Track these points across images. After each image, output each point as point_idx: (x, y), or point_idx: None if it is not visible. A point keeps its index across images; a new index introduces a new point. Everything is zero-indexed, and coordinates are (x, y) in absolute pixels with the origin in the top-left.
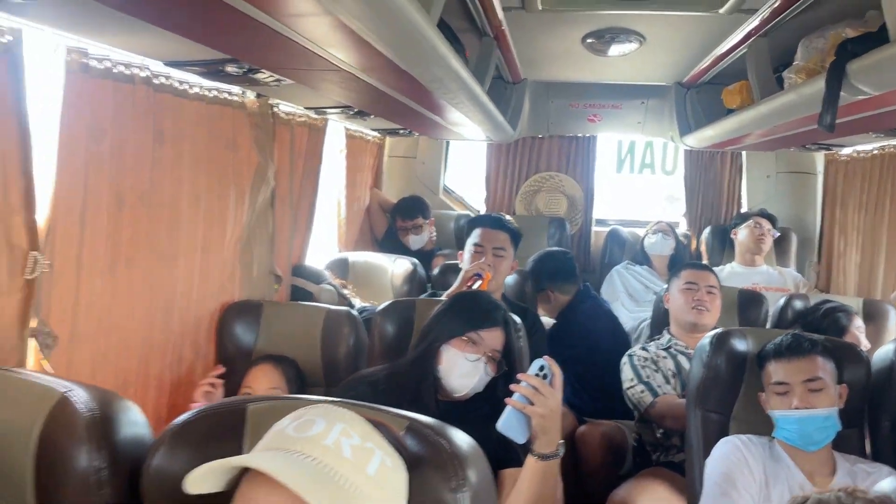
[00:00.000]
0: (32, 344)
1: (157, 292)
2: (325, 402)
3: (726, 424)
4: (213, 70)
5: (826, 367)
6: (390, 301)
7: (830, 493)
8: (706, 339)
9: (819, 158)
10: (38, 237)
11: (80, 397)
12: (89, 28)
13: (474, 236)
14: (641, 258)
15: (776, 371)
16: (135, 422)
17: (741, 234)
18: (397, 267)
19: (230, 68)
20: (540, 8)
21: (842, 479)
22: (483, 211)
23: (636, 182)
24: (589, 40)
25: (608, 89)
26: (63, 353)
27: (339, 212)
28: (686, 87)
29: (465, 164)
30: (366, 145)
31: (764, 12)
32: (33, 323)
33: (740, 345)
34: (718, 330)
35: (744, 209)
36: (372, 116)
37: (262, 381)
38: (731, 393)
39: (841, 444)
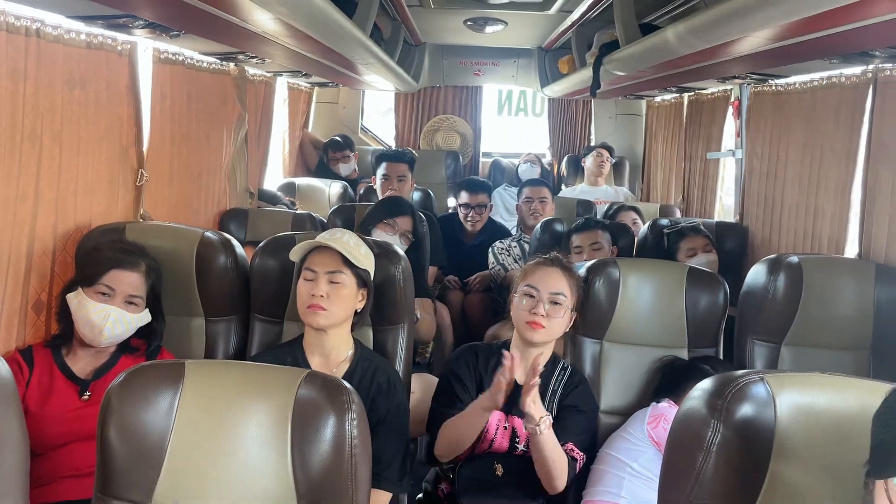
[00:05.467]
0: None
1: (192, 199)
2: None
3: None
4: (229, 56)
5: (604, 236)
6: (338, 205)
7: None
8: (538, 226)
9: (643, 105)
10: (144, 160)
11: (212, 233)
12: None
13: (382, 169)
14: (517, 182)
15: (575, 240)
16: (237, 245)
17: (588, 162)
18: (332, 189)
19: (240, 56)
20: (432, 6)
21: None
22: (394, 147)
23: (514, 122)
24: (468, 23)
25: (488, 51)
26: None
27: (284, 147)
28: (545, 51)
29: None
30: (300, 95)
31: (577, 12)
32: (141, 210)
33: (559, 227)
34: (545, 218)
35: (593, 143)
36: (311, 76)
37: None
38: None
39: None
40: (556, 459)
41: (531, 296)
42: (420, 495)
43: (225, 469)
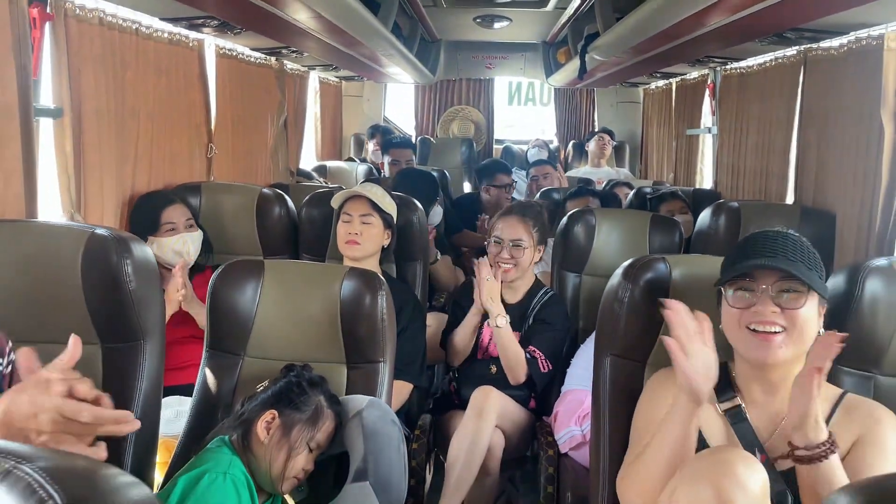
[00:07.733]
0: None
1: (246, 171)
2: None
3: None
4: (273, 51)
5: (594, 201)
6: (364, 179)
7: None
8: (538, 195)
9: (640, 93)
10: (212, 136)
11: (268, 189)
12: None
13: (390, 155)
14: (526, 165)
15: (569, 205)
16: (288, 199)
17: (591, 145)
18: (360, 170)
19: (283, 51)
20: (444, 5)
21: None
22: (414, 135)
23: (524, 111)
24: (478, 20)
25: (498, 45)
26: None
27: (317, 134)
28: (549, 45)
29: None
30: (329, 88)
31: (570, 8)
32: (212, 178)
33: (557, 195)
34: (544, 188)
35: (596, 130)
36: (340, 69)
37: None
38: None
39: None
40: (512, 353)
41: (498, 243)
42: (438, 394)
43: (295, 333)
